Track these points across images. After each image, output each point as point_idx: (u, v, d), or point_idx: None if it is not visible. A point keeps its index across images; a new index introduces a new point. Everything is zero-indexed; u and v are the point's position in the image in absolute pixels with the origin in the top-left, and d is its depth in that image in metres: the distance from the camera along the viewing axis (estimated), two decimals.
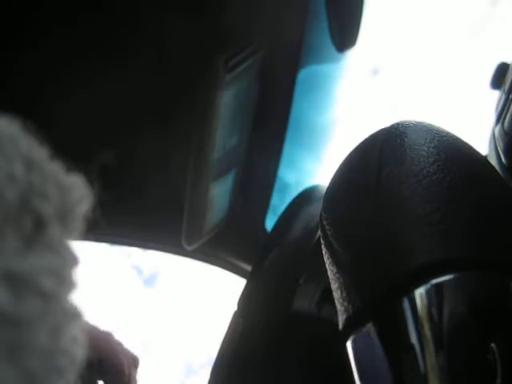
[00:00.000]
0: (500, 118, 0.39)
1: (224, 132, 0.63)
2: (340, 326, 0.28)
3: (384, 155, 0.29)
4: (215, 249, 0.78)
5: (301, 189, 0.63)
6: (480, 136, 0.44)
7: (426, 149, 0.28)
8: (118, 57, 0.61)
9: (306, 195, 0.60)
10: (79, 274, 0.15)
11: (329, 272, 0.30)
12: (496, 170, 0.31)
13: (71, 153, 0.17)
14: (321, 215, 0.31)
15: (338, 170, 0.33)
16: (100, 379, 0.39)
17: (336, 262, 0.28)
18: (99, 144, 0.66)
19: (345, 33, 0.64)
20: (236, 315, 0.50)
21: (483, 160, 0.30)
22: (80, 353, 0.14)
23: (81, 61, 0.60)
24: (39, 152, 0.15)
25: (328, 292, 0.31)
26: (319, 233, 0.32)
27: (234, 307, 0.51)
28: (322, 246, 0.31)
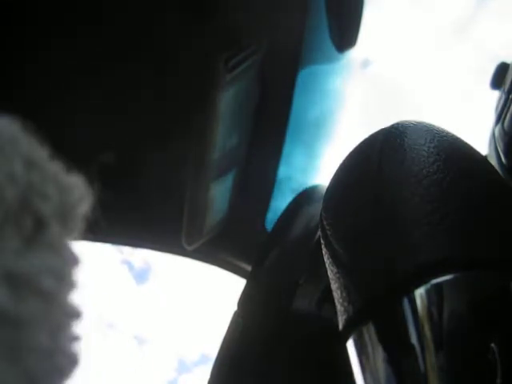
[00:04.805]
0: (500, 117, 0.39)
1: (224, 132, 0.63)
2: (340, 327, 0.28)
3: (384, 155, 0.29)
4: (215, 249, 0.78)
5: (301, 189, 0.63)
6: (480, 136, 0.44)
7: (426, 149, 0.28)
8: (118, 58, 0.61)
9: (306, 195, 0.60)
10: (79, 273, 0.15)
11: (329, 272, 0.30)
12: (496, 170, 0.31)
13: (71, 153, 0.17)
14: (321, 215, 0.31)
15: (337, 170, 0.33)
16: None
17: (336, 262, 0.28)
18: (99, 143, 0.66)
19: (345, 33, 0.64)
20: (236, 315, 0.51)
21: (483, 160, 0.30)
22: (80, 353, 0.14)
23: (81, 62, 0.60)
24: (39, 152, 0.15)
25: (328, 292, 0.31)
26: (319, 233, 0.32)
27: (234, 307, 0.51)
28: (322, 246, 0.31)
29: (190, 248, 0.70)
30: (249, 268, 0.74)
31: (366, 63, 0.81)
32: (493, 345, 0.22)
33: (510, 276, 0.24)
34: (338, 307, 0.28)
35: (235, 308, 0.51)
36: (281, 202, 0.73)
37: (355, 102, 0.76)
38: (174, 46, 0.60)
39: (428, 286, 0.24)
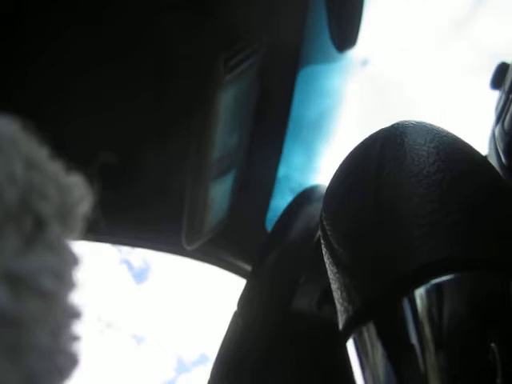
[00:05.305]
0: (500, 117, 0.39)
1: (224, 132, 0.63)
2: (340, 326, 0.28)
3: (384, 155, 0.29)
4: (215, 249, 0.78)
5: (301, 189, 0.63)
6: (480, 136, 0.44)
7: (426, 149, 0.28)
8: (117, 58, 0.61)
9: (306, 195, 0.60)
10: (79, 273, 0.15)
11: (329, 272, 0.30)
12: (496, 170, 0.31)
13: (71, 153, 0.17)
14: (321, 215, 0.31)
15: (338, 170, 0.33)
16: None
17: (336, 262, 0.28)
18: (99, 143, 0.66)
19: (345, 33, 0.64)
20: (236, 315, 0.51)
21: (483, 160, 0.30)
22: (80, 353, 0.14)
23: (81, 62, 0.60)
24: (39, 152, 0.15)
25: (328, 292, 0.31)
26: (319, 233, 0.32)
27: (234, 307, 0.51)
28: (322, 246, 0.31)
29: (189, 248, 0.70)
30: (249, 268, 0.74)
31: (365, 62, 0.81)
32: (493, 345, 0.22)
33: (510, 276, 0.24)
34: (338, 307, 0.28)
35: (235, 308, 0.51)
36: (281, 201, 0.73)
37: (355, 102, 0.76)
38: (174, 46, 0.60)
39: (428, 285, 0.24)
